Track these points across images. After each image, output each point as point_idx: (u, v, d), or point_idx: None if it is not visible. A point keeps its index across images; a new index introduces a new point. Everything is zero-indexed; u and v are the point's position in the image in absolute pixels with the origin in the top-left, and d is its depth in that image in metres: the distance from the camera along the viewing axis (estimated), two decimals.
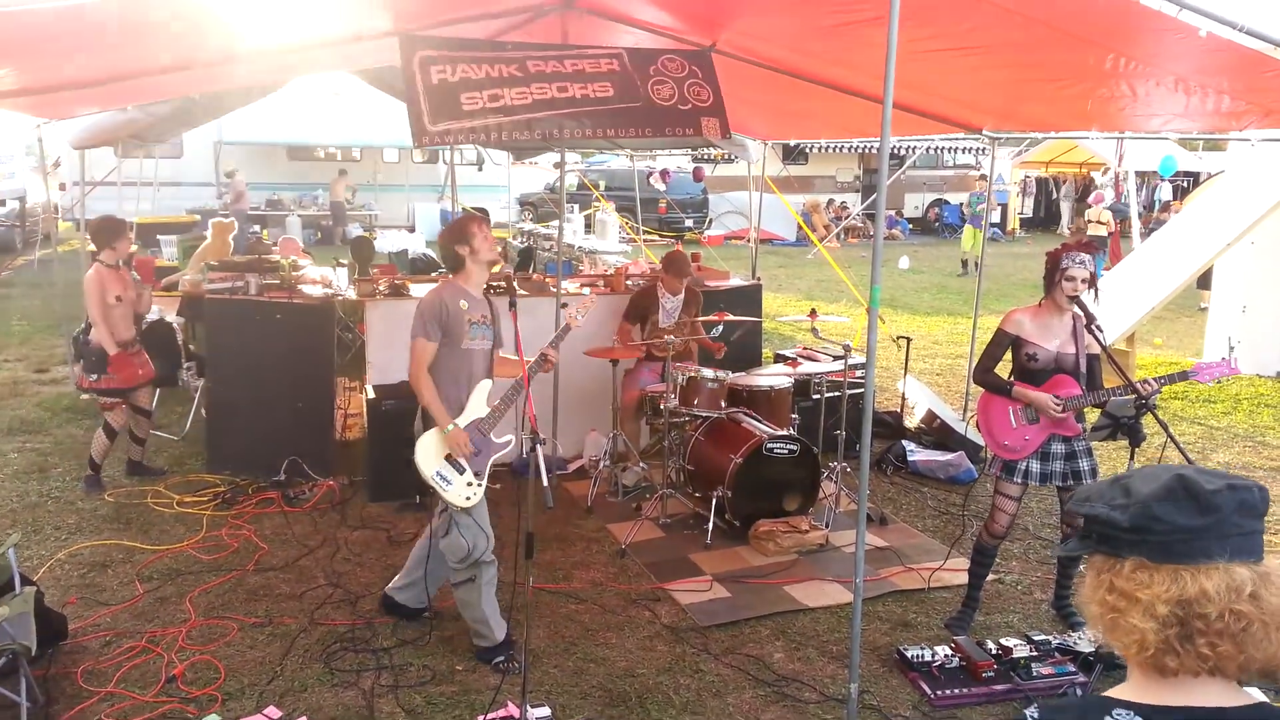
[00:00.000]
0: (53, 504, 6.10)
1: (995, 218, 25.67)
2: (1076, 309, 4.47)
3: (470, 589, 4.28)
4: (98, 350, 6.11)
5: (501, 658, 4.28)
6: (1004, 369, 4.61)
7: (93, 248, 6.25)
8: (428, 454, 4.18)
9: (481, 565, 4.25)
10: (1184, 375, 4.28)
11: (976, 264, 16.17)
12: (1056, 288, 4.43)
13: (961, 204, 23.62)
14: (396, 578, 4.75)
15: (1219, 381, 3.78)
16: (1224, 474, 1.22)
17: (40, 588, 4.36)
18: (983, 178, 16.97)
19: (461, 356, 4.28)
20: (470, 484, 4.20)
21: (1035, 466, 4.52)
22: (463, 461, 4.19)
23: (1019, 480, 4.54)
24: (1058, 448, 4.53)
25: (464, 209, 21.45)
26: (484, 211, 23.25)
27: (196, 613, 4.73)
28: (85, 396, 8.25)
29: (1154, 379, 4.28)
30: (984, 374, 4.60)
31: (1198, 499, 1.17)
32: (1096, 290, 4.47)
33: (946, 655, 4.31)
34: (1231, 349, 4.38)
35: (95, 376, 6.16)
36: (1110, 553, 1.24)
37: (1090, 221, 17.29)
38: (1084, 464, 4.54)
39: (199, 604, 4.83)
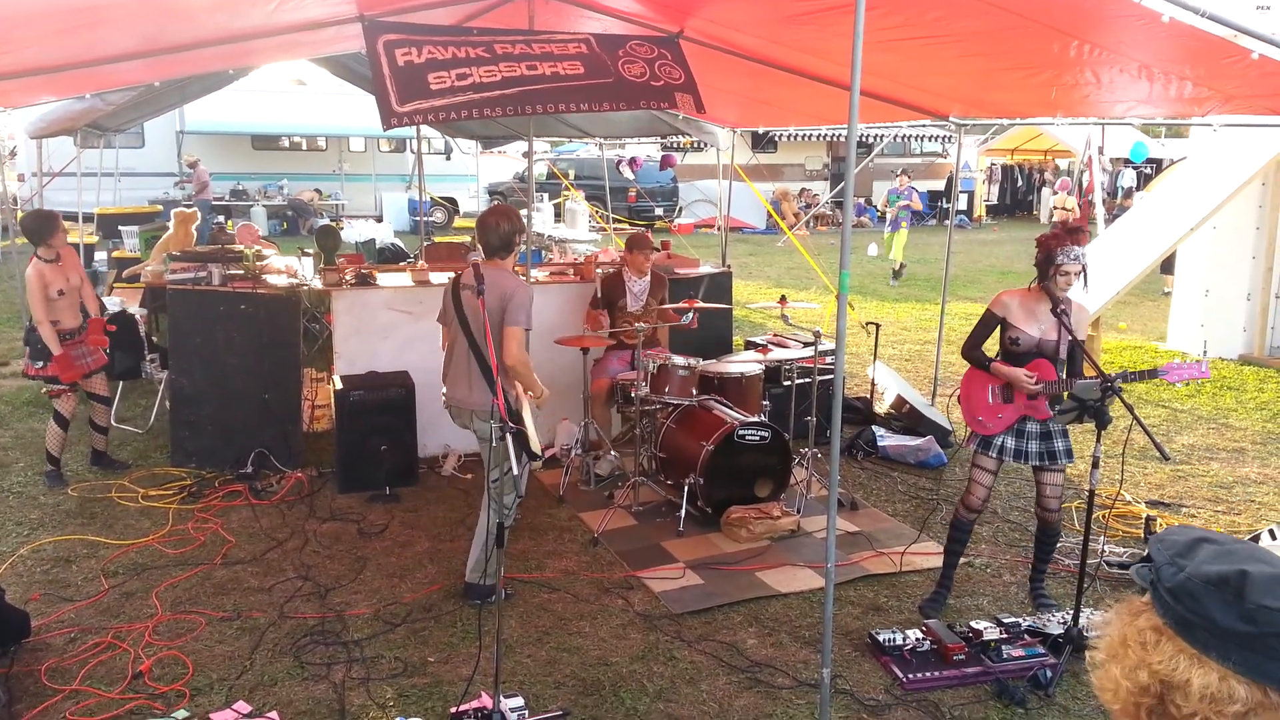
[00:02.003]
0: (14, 499, 6.00)
1: (962, 205, 25.86)
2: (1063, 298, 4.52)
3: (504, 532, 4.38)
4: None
5: (490, 599, 4.46)
6: (992, 349, 4.72)
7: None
8: (532, 423, 4.43)
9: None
10: (1153, 373, 4.33)
11: (902, 268, 16.06)
12: (1050, 280, 4.48)
13: (878, 204, 22.73)
14: (470, 564, 4.80)
15: (1186, 384, 3.80)
16: None
17: (1, 585, 4.28)
18: (904, 172, 16.34)
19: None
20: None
21: (1010, 443, 4.62)
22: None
23: (994, 455, 4.64)
24: (1032, 427, 4.61)
25: (432, 199, 21.35)
26: (453, 202, 23.25)
27: (163, 608, 4.67)
28: (44, 390, 8.12)
29: (1123, 373, 4.32)
30: (969, 350, 4.73)
31: (1244, 603, 1.07)
32: (1086, 279, 4.53)
33: (918, 639, 4.34)
34: (1204, 353, 4.38)
35: (41, 364, 6.06)
36: (1148, 600, 1.17)
37: (1056, 208, 17.46)
38: (1059, 444, 4.62)
39: (165, 599, 4.76)
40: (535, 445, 4.37)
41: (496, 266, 4.59)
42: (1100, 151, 15.45)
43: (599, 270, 7.65)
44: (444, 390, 4.76)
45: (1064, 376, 4.55)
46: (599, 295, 6.89)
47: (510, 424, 3.86)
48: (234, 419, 6.55)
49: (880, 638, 4.35)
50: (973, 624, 4.44)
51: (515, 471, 3.98)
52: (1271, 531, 5.11)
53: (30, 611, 4.47)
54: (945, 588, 4.87)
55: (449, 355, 4.75)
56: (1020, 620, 4.53)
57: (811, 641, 4.45)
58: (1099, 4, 4.23)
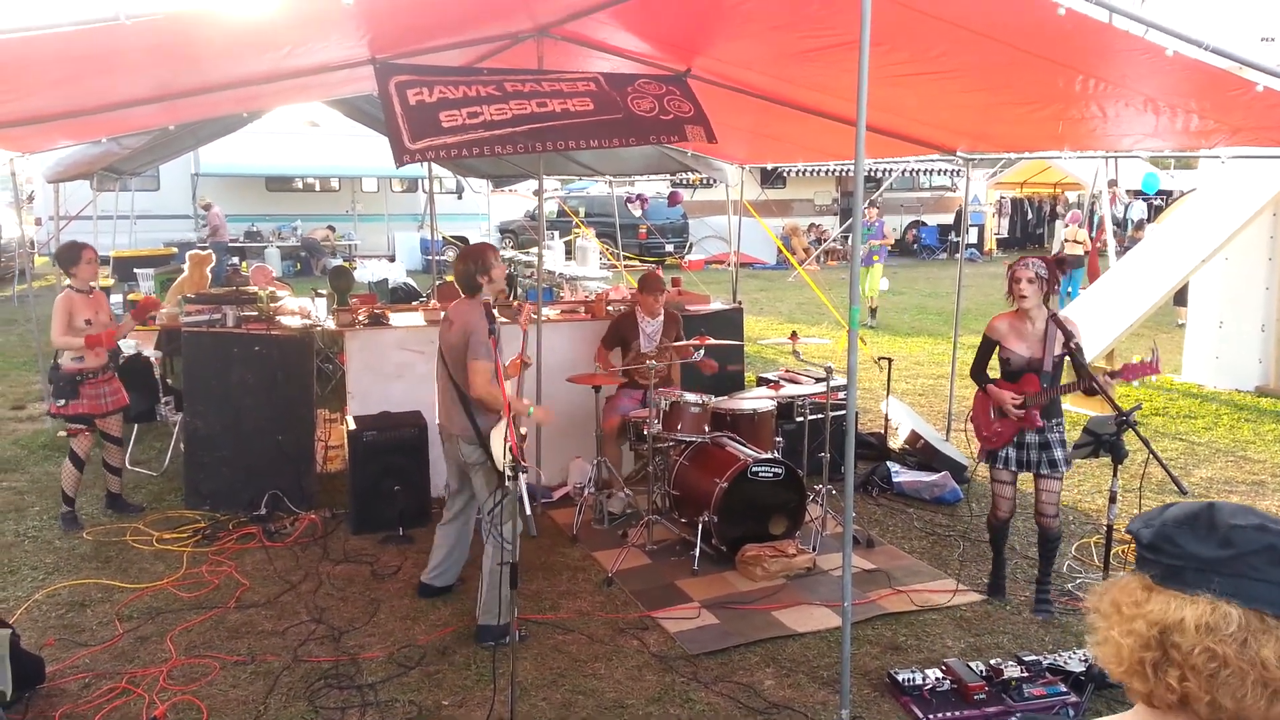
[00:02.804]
0: (29, 543, 6.01)
1: (972, 239, 25.91)
2: (1051, 317, 4.93)
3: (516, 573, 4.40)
4: (67, 376, 6.10)
5: (504, 640, 4.45)
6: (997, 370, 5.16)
7: (67, 281, 6.24)
8: (499, 447, 4.36)
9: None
10: (1111, 375, 4.68)
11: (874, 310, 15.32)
12: (1010, 294, 5.02)
13: (820, 241, 21.76)
14: (481, 605, 4.78)
15: (1142, 383, 4.09)
16: (1268, 517, 1.16)
17: (16, 630, 4.28)
18: (873, 204, 15.83)
19: None
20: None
21: (1012, 454, 5.05)
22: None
23: (1002, 466, 5.08)
24: (1031, 438, 4.99)
25: (444, 238, 21.51)
26: (465, 240, 23.39)
27: (177, 652, 4.65)
28: (61, 433, 8.15)
29: (1082, 381, 4.76)
30: (974, 374, 5.24)
31: (1217, 529, 1.13)
32: (1049, 293, 4.94)
33: (937, 678, 4.28)
34: (1154, 350, 4.56)
35: (63, 402, 6.12)
36: (1135, 569, 1.22)
37: (1067, 240, 17.45)
38: (1058, 453, 4.98)
39: (180, 643, 4.75)
40: (498, 462, 4.38)
41: (466, 302, 4.84)
42: (1112, 184, 15.43)
43: (610, 308, 7.67)
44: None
45: (1045, 386, 4.89)
46: (611, 334, 6.90)
47: (518, 463, 3.85)
48: (248, 461, 6.56)
49: (899, 677, 4.30)
50: (993, 662, 4.38)
51: (508, 496, 4.00)
52: None
53: (45, 657, 4.45)
54: (1000, 573, 5.35)
55: (438, 385, 5.03)
56: (1041, 658, 4.47)
57: (830, 682, 4.40)
58: (1102, 39, 4.26)
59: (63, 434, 8.22)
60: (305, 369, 6.84)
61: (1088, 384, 4.73)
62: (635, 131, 5.52)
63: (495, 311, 5.05)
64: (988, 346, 5.15)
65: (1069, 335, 4.78)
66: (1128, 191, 17.07)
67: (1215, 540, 1.12)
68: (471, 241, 23.70)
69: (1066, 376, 5.01)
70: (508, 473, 4.27)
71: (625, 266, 16.45)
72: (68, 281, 6.21)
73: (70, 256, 6.19)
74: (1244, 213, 9.65)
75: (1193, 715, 1.13)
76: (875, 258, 15.31)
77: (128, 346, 8.04)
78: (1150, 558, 1.18)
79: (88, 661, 4.56)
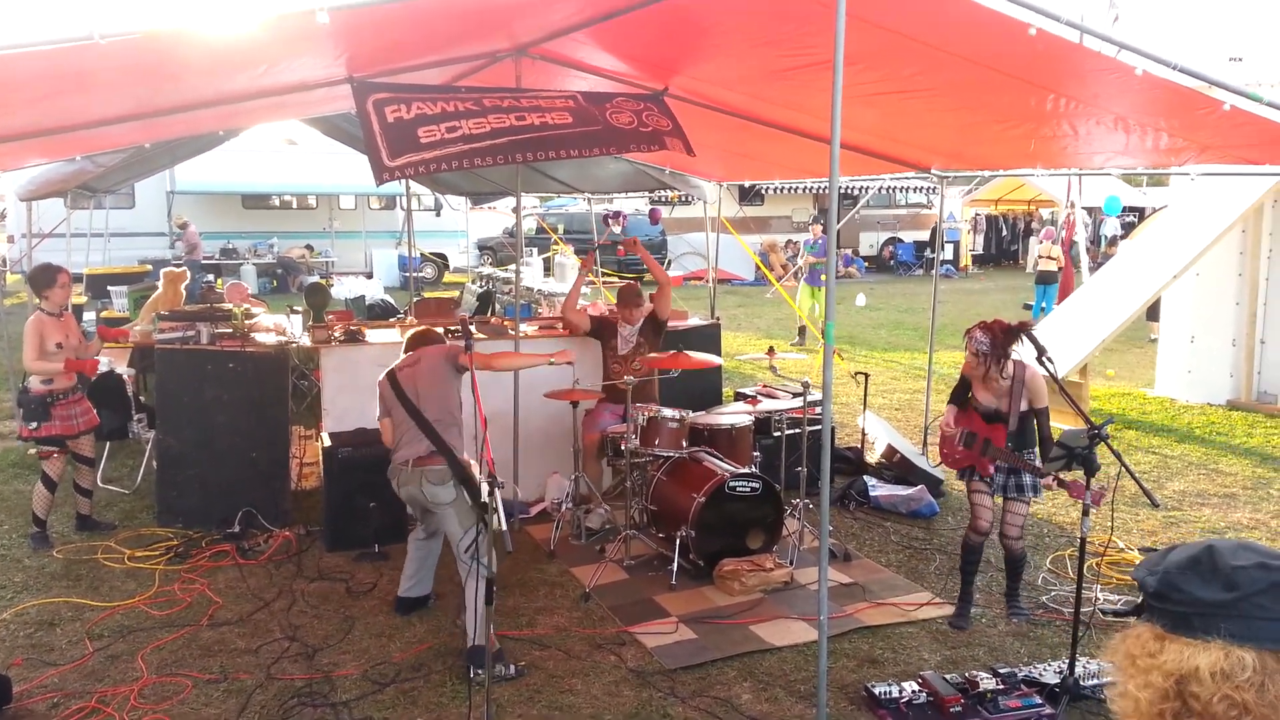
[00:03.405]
0: None
1: (948, 255, 26.12)
2: (1021, 371, 5.03)
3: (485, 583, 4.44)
4: (37, 398, 6.03)
5: (495, 668, 4.38)
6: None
7: (38, 302, 6.19)
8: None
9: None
10: (1060, 483, 4.65)
11: (803, 330, 14.61)
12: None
13: (797, 257, 20.00)
14: (467, 628, 4.69)
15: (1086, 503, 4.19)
16: (1266, 552, 1.13)
17: None
18: (816, 221, 15.15)
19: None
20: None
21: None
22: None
23: (978, 479, 5.13)
24: (1000, 463, 5.06)
25: (422, 255, 21.47)
26: (443, 257, 23.38)
27: (149, 670, 4.59)
28: (31, 451, 8.05)
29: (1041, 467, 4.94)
30: (952, 399, 5.34)
31: (1219, 572, 1.10)
32: (996, 359, 4.96)
33: (914, 691, 4.30)
34: (1102, 489, 4.49)
35: (35, 425, 6.06)
36: (1144, 619, 1.19)
37: (1041, 257, 17.66)
38: (1025, 479, 5.06)
39: (151, 661, 4.69)
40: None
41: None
42: (1072, 206, 15.60)
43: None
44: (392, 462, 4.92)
45: (1009, 445, 4.97)
46: (592, 324, 6.98)
47: (494, 478, 3.83)
48: (221, 478, 6.50)
49: (876, 691, 4.31)
50: (969, 675, 4.40)
51: (499, 528, 3.95)
52: None
53: (13, 677, 4.39)
54: (967, 602, 5.25)
55: (397, 436, 4.90)
56: (1016, 670, 4.49)
57: (806, 696, 4.40)
58: (1073, 59, 4.33)
59: (33, 453, 8.12)
60: (280, 386, 6.80)
61: (1044, 473, 4.88)
62: (615, 141, 5.54)
63: (471, 328, 5.07)
64: (964, 384, 5.25)
65: (1041, 349, 4.64)
66: (1085, 209, 17.26)
67: (1219, 583, 1.10)
68: (450, 258, 23.78)
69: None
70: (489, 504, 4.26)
71: (604, 283, 16.46)
72: (39, 303, 6.13)
73: (44, 279, 6.13)
74: (1214, 229, 9.79)
75: None
76: (823, 277, 14.48)
77: (100, 363, 7.96)
78: (1158, 606, 1.15)
79: (57, 681, 4.50)
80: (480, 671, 4.49)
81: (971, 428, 5.11)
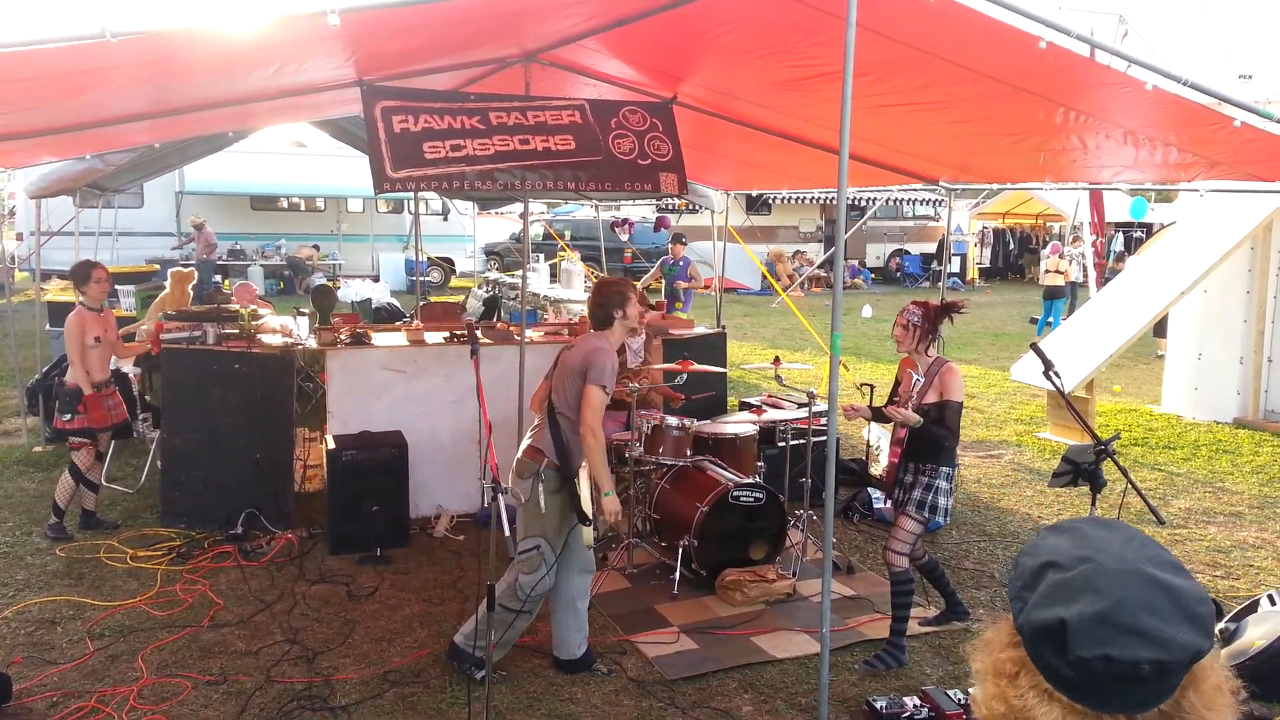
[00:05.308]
0: (0, 560, 5.93)
1: (954, 267, 26.11)
2: (934, 367, 4.88)
3: (524, 619, 4.51)
4: (71, 390, 6.17)
5: (478, 670, 4.39)
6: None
7: (48, 297, 6.25)
8: (585, 495, 4.34)
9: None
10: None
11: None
12: None
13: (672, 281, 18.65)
14: (466, 624, 4.66)
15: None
16: (1121, 635, 1.05)
17: None
18: (679, 241, 12.73)
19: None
20: (594, 527, 4.43)
21: (897, 491, 5.06)
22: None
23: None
24: (907, 476, 4.94)
25: (429, 259, 21.51)
26: (449, 262, 23.42)
27: (149, 671, 4.59)
28: (37, 449, 8.13)
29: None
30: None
31: (1067, 654, 1.07)
32: (922, 338, 4.90)
33: (915, 705, 4.27)
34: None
35: (68, 416, 6.18)
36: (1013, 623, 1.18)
37: (1048, 270, 17.65)
38: (916, 494, 4.87)
39: (151, 662, 4.68)
40: (585, 504, 4.35)
41: (599, 334, 4.65)
42: (1077, 229, 15.61)
43: None
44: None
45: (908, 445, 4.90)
46: None
47: (498, 484, 3.83)
48: (225, 479, 6.50)
49: (877, 705, 4.28)
50: (971, 690, 4.36)
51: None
52: (1270, 597, 5.06)
53: (12, 675, 4.39)
54: (950, 599, 5.31)
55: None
56: None
57: (808, 709, 4.38)
58: (1083, 72, 4.32)
59: (38, 449, 8.16)
60: (285, 387, 6.81)
61: (1094, 439, 4.56)
62: (611, 176, 5.64)
63: (477, 332, 5.05)
64: (894, 387, 5.18)
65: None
66: (1090, 225, 17.28)
67: (1066, 664, 1.08)
68: (457, 263, 23.83)
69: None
70: (584, 522, 4.30)
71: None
72: (80, 299, 6.35)
73: (81, 275, 6.35)
74: (1223, 246, 9.77)
75: None
76: (678, 304, 12.12)
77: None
78: (1021, 637, 1.15)
79: (56, 680, 4.49)
80: (460, 666, 4.56)
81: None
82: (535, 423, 4.66)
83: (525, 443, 4.61)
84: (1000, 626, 1.21)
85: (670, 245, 12.46)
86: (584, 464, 4.49)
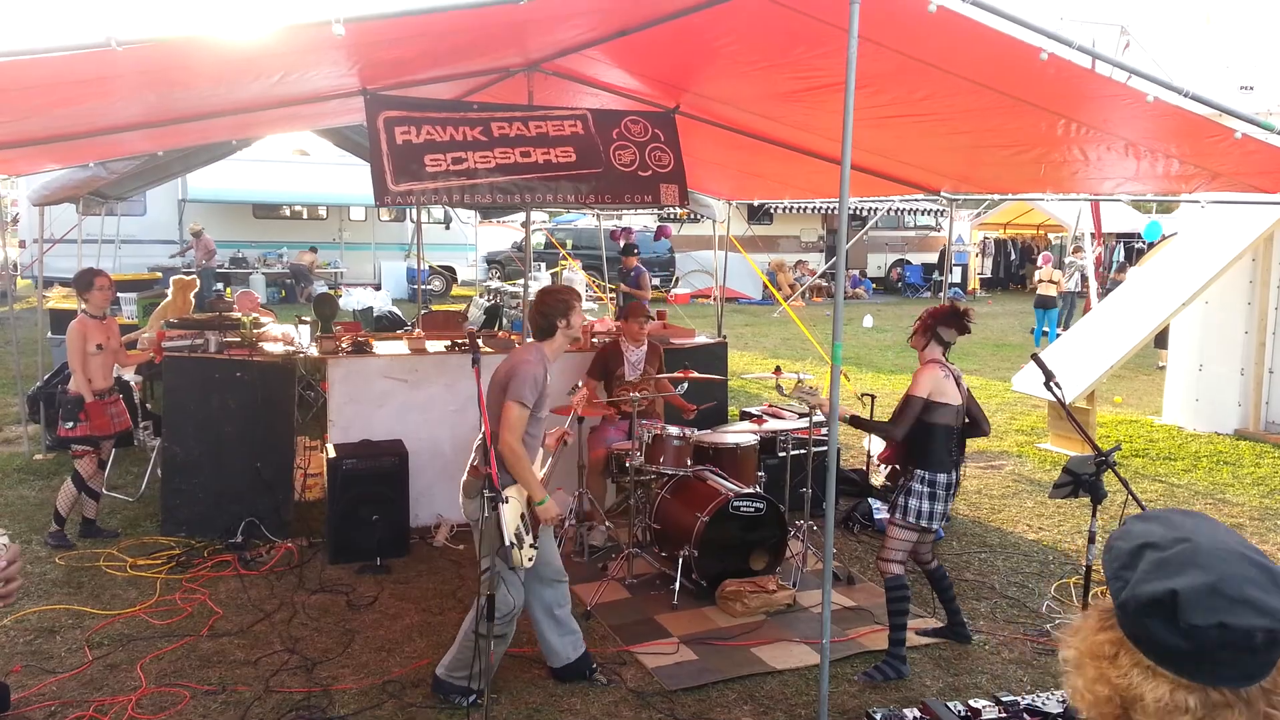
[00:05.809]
0: None
1: (956, 278, 26.13)
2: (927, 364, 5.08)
3: (500, 644, 4.36)
4: (74, 398, 6.18)
5: (465, 699, 4.35)
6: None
7: (50, 304, 6.27)
8: (512, 516, 4.10)
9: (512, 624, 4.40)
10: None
11: None
12: None
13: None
14: (446, 661, 4.50)
15: None
16: (1231, 605, 1.07)
17: None
18: (632, 251, 12.78)
19: (537, 426, 4.38)
20: (531, 546, 4.26)
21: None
22: (530, 526, 4.24)
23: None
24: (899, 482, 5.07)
25: (431, 267, 21.53)
26: (451, 270, 23.46)
27: (147, 680, 4.58)
28: (37, 457, 8.13)
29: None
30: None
31: (1177, 623, 1.08)
32: (927, 339, 5.06)
33: (915, 717, 4.25)
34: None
35: (71, 424, 6.19)
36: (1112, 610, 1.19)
37: (1041, 281, 17.73)
38: (900, 499, 4.95)
39: (150, 671, 4.67)
40: (506, 530, 4.00)
41: (532, 345, 4.55)
42: (1078, 239, 15.64)
43: (595, 340, 7.68)
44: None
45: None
46: (596, 365, 6.90)
47: (497, 493, 3.81)
48: (226, 487, 6.50)
49: (877, 716, 4.26)
50: (970, 702, 4.35)
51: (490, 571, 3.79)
52: None
53: (10, 684, 4.38)
54: (954, 619, 5.24)
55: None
56: (1019, 699, 4.44)
57: None
58: (1084, 84, 4.33)
59: (39, 457, 8.15)
60: (287, 396, 6.81)
61: (1095, 450, 4.66)
62: (611, 190, 5.67)
63: (478, 341, 5.03)
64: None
65: (1049, 375, 4.79)
66: (1091, 235, 17.34)
67: (1178, 634, 1.09)
68: (459, 272, 23.85)
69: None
70: (509, 546, 4.03)
71: (611, 299, 16.47)
72: (82, 306, 6.35)
73: (84, 283, 6.36)
74: (1224, 257, 9.77)
75: None
76: None
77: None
78: (1121, 616, 1.15)
79: (55, 689, 4.48)
80: (444, 696, 4.42)
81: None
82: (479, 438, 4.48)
83: (470, 461, 4.49)
84: (1088, 613, 1.22)
85: (622, 256, 12.59)
86: (515, 483, 4.26)
